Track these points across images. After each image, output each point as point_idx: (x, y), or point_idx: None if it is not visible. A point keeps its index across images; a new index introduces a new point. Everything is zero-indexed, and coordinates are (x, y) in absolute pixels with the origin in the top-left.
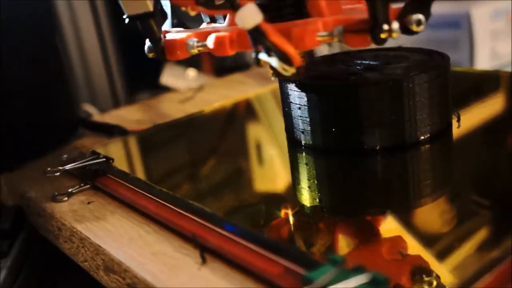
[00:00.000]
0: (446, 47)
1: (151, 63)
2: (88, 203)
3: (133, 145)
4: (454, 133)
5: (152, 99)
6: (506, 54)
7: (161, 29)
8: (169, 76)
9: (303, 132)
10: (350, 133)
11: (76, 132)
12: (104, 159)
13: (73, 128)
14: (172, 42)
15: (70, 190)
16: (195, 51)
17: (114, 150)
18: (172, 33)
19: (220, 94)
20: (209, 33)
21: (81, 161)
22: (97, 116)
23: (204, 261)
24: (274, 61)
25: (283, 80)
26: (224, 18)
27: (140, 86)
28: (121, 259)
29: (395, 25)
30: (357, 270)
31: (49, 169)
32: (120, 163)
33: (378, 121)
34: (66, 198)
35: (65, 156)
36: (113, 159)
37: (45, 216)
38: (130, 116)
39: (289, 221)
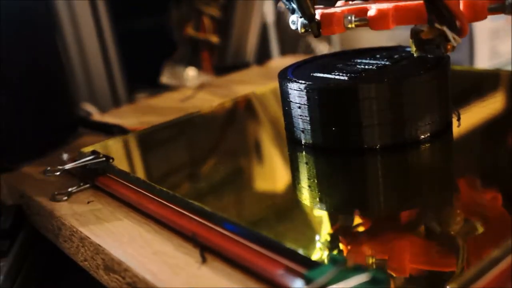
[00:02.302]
0: None
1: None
2: (88, 202)
3: (133, 144)
4: (454, 132)
5: (152, 98)
6: (506, 53)
7: (313, 4)
8: (169, 75)
9: (303, 131)
10: (350, 132)
11: (76, 131)
12: (104, 159)
13: (73, 128)
14: (330, 16)
15: (70, 189)
16: (352, 25)
17: (114, 150)
18: (318, 9)
19: (220, 93)
20: (362, 8)
21: (81, 161)
22: (97, 116)
23: (204, 260)
24: (448, 31)
25: (282, 80)
26: None
27: (140, 85)
28: (121, 258)
29: None
30: (358, 269)
31: (49, 168)
32: (120, 163)
33: (378, 120)
34: (66, 198)
35: (65, 155)
36: (113, 159)
37: (45, 215)
38: (130, 115)
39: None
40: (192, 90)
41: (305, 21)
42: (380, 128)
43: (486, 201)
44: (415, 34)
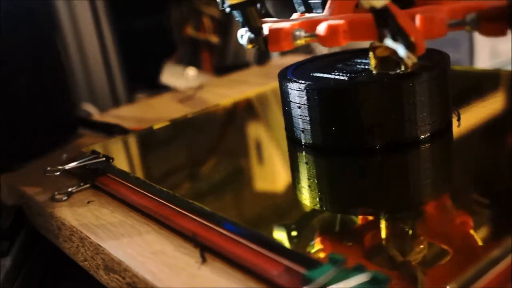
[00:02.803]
0: (446, 46)
1: (150, 62)
2: (88, 202)
3: (133, 144)
4: (454, 132)
5: (152, 98)
6: (506, 53)
7: (260, 18)
8: (169, 75)
9: (303, 131)
10: (350, 132)
11: (76, 131)
12: (104, 159)
13: (73, 128)
14: (277, 31)
15: (70, 189)
16: (301, 41)
17: (114, 150)
18: (268, 23)
19: (220, 93)
20: (312, 22)
21: (81, 161)
22: (97, 116)
23: (204, 260)
24: (401, 48)
25: (282, 80)
26: (323, 7)
27: (140, 85)
28: (121, 258)
29: None
30: (358, 269)
31: (49, 168)
32: (120, 163)
33: (378, 120)
34: (66, 198)
35: (65, 155)
36: (113, 159)
37: (45, 215)
38: (130, 115)
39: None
40: (192, 90)
41: (252, 36)
42: (380, 128)
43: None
44: (373, 50)
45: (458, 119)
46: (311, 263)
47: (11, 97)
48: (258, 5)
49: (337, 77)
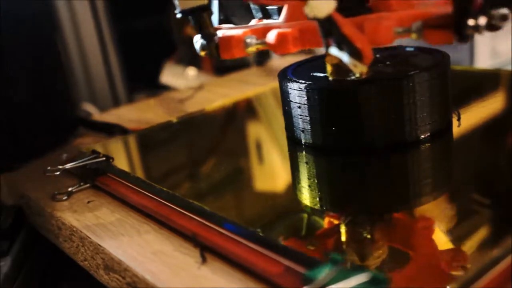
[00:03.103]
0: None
1: (150, 62)
2: (88, 202)
3: (133, 144)
4: (455, 132)
5: (152, 98)
6: (506, 53)
7: (213, 25)
8: (169, 75)
9: (303, 131)
10: (350, 132)
11: (76, 131)
12: (104, 158)
13: (73, 128)
14: (229, 39)
15: (70, 189)
16: (253, 49)
17: (114, 149)
18: (223, 29)
19: (220, 93)
20: (266, 29)
21: (81, 160)
22: (97, 115)
23: (204, 260)
24: (345, 56)
25: (282, 79)
26: (279, 13)
27: (140, 85)
28: (121, 258)
29: (482, 20)
30: (357, 269)
31: (49, 168)
32: (120, 162)
33: (378, 120)
34: (66, 198)
35: (65, 155)
36: (113, 158)
37: (45, 215)
38: (130, 115)
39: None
40: (192, 90)
41: (204, 42)
42: (380, 128)
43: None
44: (326, 57)
45: (458, 119)
46: (311, 263)
47: (11, 97)
48: (216, 11)
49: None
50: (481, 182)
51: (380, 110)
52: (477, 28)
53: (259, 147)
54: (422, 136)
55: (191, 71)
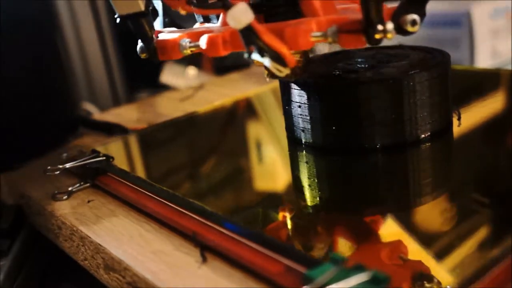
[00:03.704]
0: (446, 45)
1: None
2: (88, 201)
3: (133, 143)
4: (455, 131)
5: (152, 98)
6: (506, 52)
7: (153, 29)
8: (169, 75)
9: (303, 131)
10: (351, 131)
11: (76, 130)
12: (104, 158)
13: (73, 127)
14: (164, 42)
15: (70, 188)
16: (187, 51)
17: (114, 149)
18: (164, 33)
19: (220, 93)
20: (202, 33)
21: (81, 160)
22: (97, 115)
23: (204, 259)
24: (267, 62)
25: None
26: (218, 17)
27: (140, 84)
28: (121, 257)
29: (390, 25)
30: (358, 268)
31: (49, 167)
32: (120, 162)
33: (379, 120)
34: (66, 197)
35: (65, 154)
36: (113, 158)
37: (45, 215)
38: (130, 114)
39: (287, 224)
40: (192, 90)
41: (143, 45)
42: (381, 127)
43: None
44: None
45: (459, 119)
46: (311, 262)
47: (11, 96)
48: (161, 15)
49: (337, 76)
50: (481, 182)
51: (380, 110)
52: (385, 32)
53: (259, 146)
54: (423, 136)
55: (191, 71)
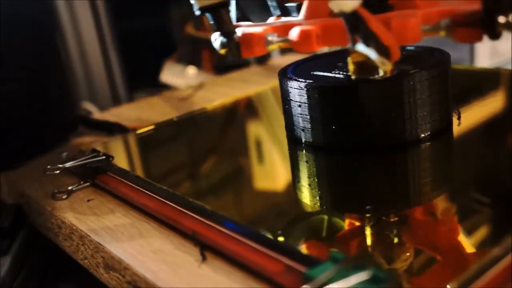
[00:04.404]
0: (446, 44)
1: (150, 61)
2: (88, 201)
3: (133, 143)
4: (455, 131)
5: (152, 97)
6: (506, 52)
7: (232, 22)
8: (169, 74)
9: (303, 130)
10: (351, 130)
11: (76, 130)
12: (104, 157)
13: (73, 126)
14: (249, 36)
15: (70, 188)
16: (274, 46)
17: (114, 148)
18: (242, 27)
19: (220, 92)
20: (286, 27)
21: (81, 159)
22: (97, 114)
23: (204, 259)
24: (373, 54)
25: (283, 78)
26: (298, 11)
27: (140, 84)
28: (121, 257)
29: None
30: (358, 267)
31: (49, 167)
32: (120, 161)
33: (379, 119)
34: (66, 196)
35: (65, 154)
36: (113, 157)
37: (45, 214)
38: (130, 114)
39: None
40: (192, 89)
41: (224, 40)
42: (381, 127)
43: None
44: (349, 55)
45: (459, 118)
46: (312, 261)
47: (11, 96)
48: (233, 8)
49: (337, 75)
50: (481, 181)
51: (381, 109)
52: (509, 26)
53: (259, 146)
54: (422, 135)
55: (191, 70)
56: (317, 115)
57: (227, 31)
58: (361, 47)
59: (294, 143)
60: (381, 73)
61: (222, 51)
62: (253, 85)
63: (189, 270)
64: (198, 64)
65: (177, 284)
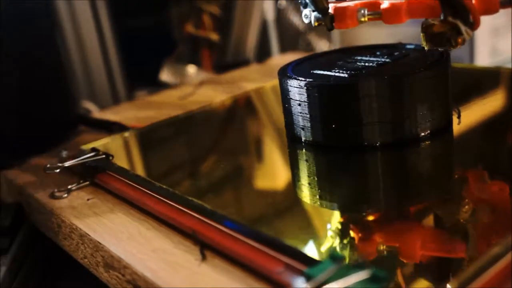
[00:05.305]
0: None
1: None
2: (88, 199)
3: (133, 142)
4: (455, 129)
5: (151, 96)
6: (506, 51)
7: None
8: (169, 73)
9: (303, 129)
10: (350, 129)
11: (75, 129)
12: (104, 156)
13: (72, 125)
14: (343, 9)
15: (69, 187)
16: (365, 19)
17: (114, 147)
18: (331, 3)
19: (220, 91)
20: (373, 3)
21: (80, 158)
22: (96, 113)
23: (204, 257)
24: (461, 25)
25: (282, 77)
26: None
27: (139, 82)
28: (121, 255)
29: None
30: (358, 266)
31: (48, 166)
32: (120, 160)
33: (378, 118)
34: (65, 195)
35: (65, 153)
36: (112, 156)
37: (44, 213)
38: (129, 113)
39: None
40: (192, 88)
41: (318, 15)
42: (380, 125)
43: (493, 192)
44: (426, 28)
45: (459, 117)
46: (311, 260)
47: (11, 95)
48: None
49: (337, 74)
50: (481, 180)
51: (380, 108)
52: None
53: (259, 145)
54: (422, 134)
55: (191, 69)
56: (317, 114)
57: (322, 7)
58: (450, 19)
59: (293, 141)
60: (453, 44)
61: (316, 24)
62: (253, 84)
63: (188, 269)
64: (198, 63)
65: (177, 283)
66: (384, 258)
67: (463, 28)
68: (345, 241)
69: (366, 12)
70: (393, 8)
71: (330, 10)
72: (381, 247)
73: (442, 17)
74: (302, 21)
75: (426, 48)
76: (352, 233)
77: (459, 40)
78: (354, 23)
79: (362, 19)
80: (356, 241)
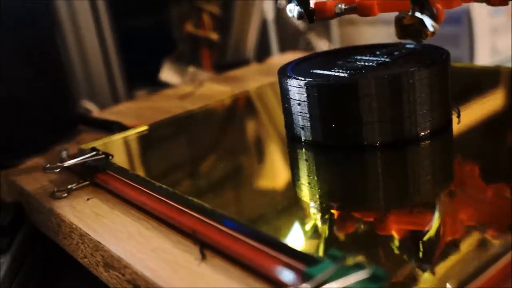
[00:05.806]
0: (446, 42)
1: (150, 59)
2: (88, 199)
3: (133, 141)
4: (454, 129)
5: (151, 95)
6: (506, 50)
7: None
8: (169, 73)
9: (302, 128)
10: (350, 129)
11: (75, 128)
12: (104, 156)
13: (72, 125)
14: (322, 4)
15: (69, 186)
16: (342, 13)
17: (114, 147)
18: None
19: (220, 90)
20: None
21: (80, 158)
22: (96, 113)
23: (203, 257)
24: (427, 19)
25: (282, 77)
26: None
27: (139, 82)
28: (121, 255)
29: None
30: (357, 266)
31: (48, 165)
32: (120, 160)
33: (378, 117)
34: (65, 195)
35: (65, 152)
36: (112, 156)
37: (44, 212)
38: (129, 112)
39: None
40: (192, 87)
41: (300, 9)
42: (380, 125)
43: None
44: (398, 21)
45: (458, 116)
46: (311, 260)
47: (11, 95)
48: None
49: (337, 73)
50: (481, 179)
51: (380, 107)
52: None
53: (258, 144)
54: (422, 133)
55: (191, 69)
56: (317, 113)
57: (305, 2)
58: (418, 13)
59: (293, 141)
60: (423, 36)
61: (298, 18)
62: (253, 84)
63: (188, 268)
64: (197, 62)
65: (177, 282)
66: (384, 257)
67: (429, 22)
68: (345, 240)
69: (343, 6)
70: (367, 2)
71: (312, 5)
72: (380, 247)
73: (410, 12)
74: (302, 21)
75: (398, 40)
76: (351, 232)
77: (428, 32)
78: (332, 16)
79: (339, 11)
80: (356, 241)
